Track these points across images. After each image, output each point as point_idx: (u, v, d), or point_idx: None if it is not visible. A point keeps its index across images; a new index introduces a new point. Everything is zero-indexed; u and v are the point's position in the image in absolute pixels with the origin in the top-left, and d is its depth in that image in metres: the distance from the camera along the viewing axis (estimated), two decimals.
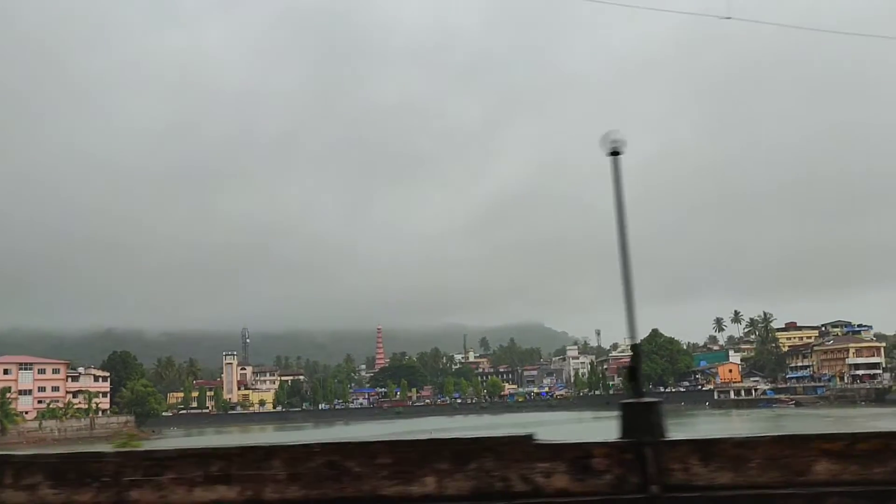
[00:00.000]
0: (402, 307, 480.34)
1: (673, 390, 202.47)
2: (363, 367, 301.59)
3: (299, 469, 7.83)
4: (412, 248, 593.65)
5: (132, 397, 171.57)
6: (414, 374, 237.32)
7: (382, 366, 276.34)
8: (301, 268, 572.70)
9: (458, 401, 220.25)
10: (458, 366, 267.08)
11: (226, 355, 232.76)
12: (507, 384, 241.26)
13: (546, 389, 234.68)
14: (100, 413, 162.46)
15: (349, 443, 8.08)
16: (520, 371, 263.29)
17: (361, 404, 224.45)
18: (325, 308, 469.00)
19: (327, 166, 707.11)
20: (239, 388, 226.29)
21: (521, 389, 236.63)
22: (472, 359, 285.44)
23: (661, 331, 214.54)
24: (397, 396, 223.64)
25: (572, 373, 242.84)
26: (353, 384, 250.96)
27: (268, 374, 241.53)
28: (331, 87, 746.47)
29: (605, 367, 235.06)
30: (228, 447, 7.93)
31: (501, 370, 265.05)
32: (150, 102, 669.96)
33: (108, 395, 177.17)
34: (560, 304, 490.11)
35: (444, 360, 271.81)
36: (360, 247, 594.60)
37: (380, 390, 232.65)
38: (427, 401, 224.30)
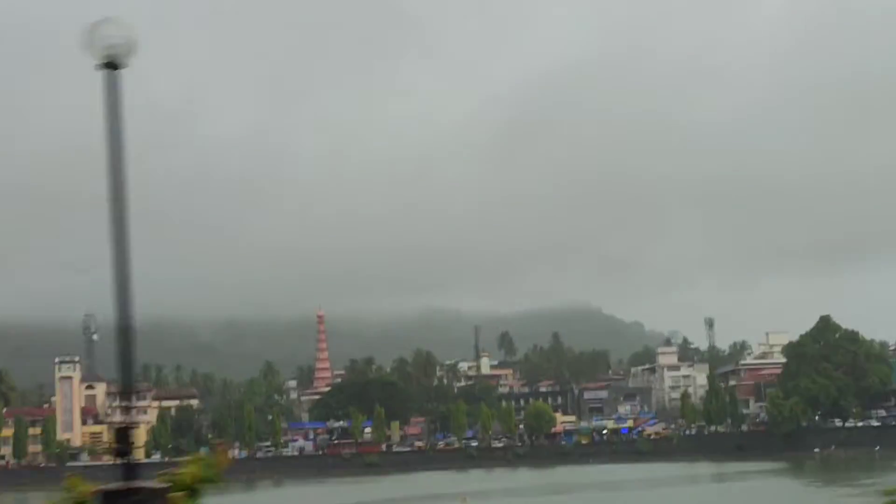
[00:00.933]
0: (359, 279, 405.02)
1: (860, 424, 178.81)
2: (293, 382, 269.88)
3: None
4: (376, 173, 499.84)
5: None
6: (392, 396, 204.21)
7: (329, 381, 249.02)
8: (177, 205, 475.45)
9: (473, 443, 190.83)
10: (469, 382, 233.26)
11: (60, 363, 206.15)
12: (557, 414, 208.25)
13: (628, 424, 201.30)
14: None
15: None
16: (576, 391, 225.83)
17: (302, 449, 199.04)
18: (218, 281, 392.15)
19: (229, 30, 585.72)
20: (85, 422, 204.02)
21: (583, 424, 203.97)
22: (487, 369, 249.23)
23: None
24: (365, 435, 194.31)
25: (669, 393, 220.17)
26: (281, 414, 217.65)
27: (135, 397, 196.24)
28: None
29: (730, 383, 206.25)
30: None
31: (542, 389, 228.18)
32: None
33: None
34: (629, 276, 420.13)
35: (442, 372, 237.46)
36: (284, 170, 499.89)
37: (333, 425, 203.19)
38: (418, 442, 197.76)
